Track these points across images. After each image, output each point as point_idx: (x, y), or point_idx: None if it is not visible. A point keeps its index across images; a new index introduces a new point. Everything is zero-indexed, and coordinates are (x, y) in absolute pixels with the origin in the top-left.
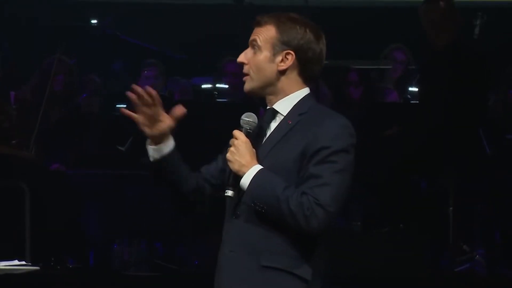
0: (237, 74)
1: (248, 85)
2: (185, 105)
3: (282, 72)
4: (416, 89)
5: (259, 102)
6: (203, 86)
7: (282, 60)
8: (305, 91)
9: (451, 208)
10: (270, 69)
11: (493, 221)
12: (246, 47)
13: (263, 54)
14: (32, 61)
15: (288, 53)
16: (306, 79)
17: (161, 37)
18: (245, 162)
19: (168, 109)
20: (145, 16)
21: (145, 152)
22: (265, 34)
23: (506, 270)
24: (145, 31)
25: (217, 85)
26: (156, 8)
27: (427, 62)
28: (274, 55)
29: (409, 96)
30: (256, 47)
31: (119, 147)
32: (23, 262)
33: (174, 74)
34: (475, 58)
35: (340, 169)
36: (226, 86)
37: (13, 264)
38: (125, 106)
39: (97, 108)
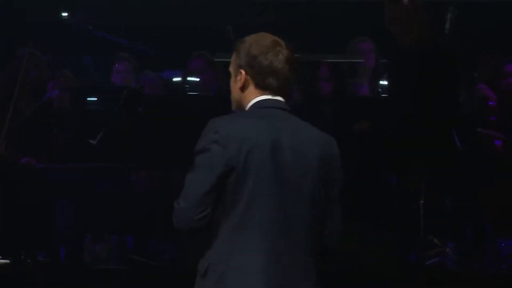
0: (202, 70)
1: (232, 106)
2: (156, 99)
3: (242, 89)
4: (386, 83)
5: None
6: (174, 79)
7: (239, 79)
8: (255, 100)
9: (422, 202)
10: (236, 89)
11: (464, 215)
12: (217, 40)
13: (232, 78)
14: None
15: (240, 71)
16: (265, 90)
17: (132, 30)
18: None
19: (138, 103)
20: (115, 9)
21: (116, 146)
22: (232, 60)
23: (476, 265)
24: (116, 25)
25: (188, 79)
26: (127, 2)
27: (395, 59)
28: (235, 75)
29: (380, 90)
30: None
31: (90, 141)
32: None
33: (146, 68)
34: (443, 54)
35: (193, 168)
36: (198, 79)
37: None
38: (96, 100)
39: (68, 103)
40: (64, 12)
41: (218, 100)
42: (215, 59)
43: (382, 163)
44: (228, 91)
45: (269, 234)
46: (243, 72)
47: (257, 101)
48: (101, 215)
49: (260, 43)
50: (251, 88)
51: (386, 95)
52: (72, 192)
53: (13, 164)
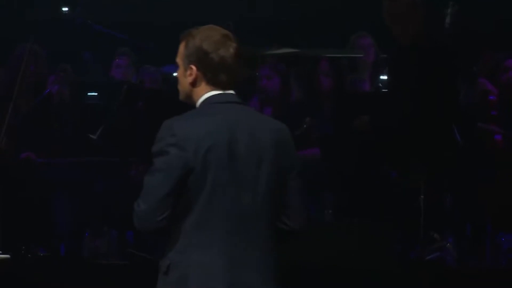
0: None
1: (179, 96)
2: (156, 94)
3: (192, 84)
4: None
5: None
6: (174, 74)
7: (190, 74)
8: (206, 95)
9: (422, 197)
10: (185, 83)
11: (464, 210)
12: None
13: (180, 70)
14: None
15: (190, 67)
16: (217, 85)
17: (132, 25)
18: None
19: (138, 97)
20: (115, 4)
21: (116, 140)
22: (179, 51)
23: (476, 260)
24: (116, 19)
25: None
26: None
27: (394, 57)
28: (185, 69)
29: (380, 84)
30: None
31: (91, 135)
32: None
33: (146, 62)
34: (443, 50)
35: (152, 170)
36: None
37: None
38: (96, 94)
39: (68, 97)
40: (64, 7)
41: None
42: None
43: (382, 158)
44: None
45: (228, 231)
46: (194, 67)
47: (209, 97)
48: (101, 210)
49: (211, 39)
50: (202, 84)
51: (387, 90)
52: (72, 187)
53: (13, 159)
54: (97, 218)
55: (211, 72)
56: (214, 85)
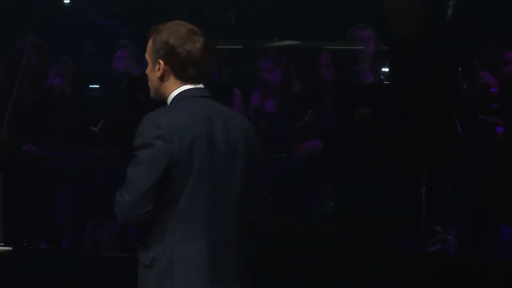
0: None
1: (151, 93)
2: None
3: (161, 79)
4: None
5: (231, 83)
6: None
7: (158, 69)
8: (178, 90)
9: (424, 189)
10: (154, 78)
11: (465, 203)
12: (219, 28)
13: (148, 65)
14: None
15: (158, 62)
16: (186, 80)
17: (134, 18)
18: None
19: (140, 90)
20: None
21: (117, 133)
22: (148, 47)
23: (478, 252)
24: (117, 11)
25: None
26: None
27: (395, 51)
28: (154, 65)
29: (382, 76)
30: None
31: (92, 128)
32: None
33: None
34: (442, 44)
35: (135, 163)
36: None
37: None
38: (97, 86)
39: (70, 90)
40: None
41: (219, 87)
42: (217, 46)
43: (383, 150)
44: (228, 78)
45: (209, 224)
46: (161, 62)
47: (181, 91)
48: (102, 202)
49: (178, 34)
50: (171, 79)
51: (388, 83)
52: (74, 179)
53: (14, 151)
54: (99, 210)
55: (178, 67)
56: (183, 79)
